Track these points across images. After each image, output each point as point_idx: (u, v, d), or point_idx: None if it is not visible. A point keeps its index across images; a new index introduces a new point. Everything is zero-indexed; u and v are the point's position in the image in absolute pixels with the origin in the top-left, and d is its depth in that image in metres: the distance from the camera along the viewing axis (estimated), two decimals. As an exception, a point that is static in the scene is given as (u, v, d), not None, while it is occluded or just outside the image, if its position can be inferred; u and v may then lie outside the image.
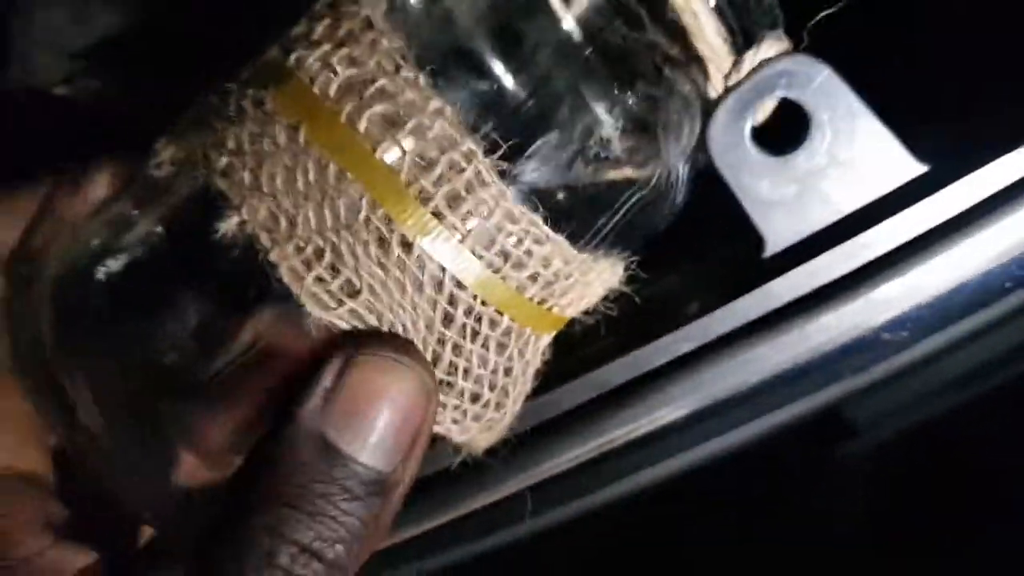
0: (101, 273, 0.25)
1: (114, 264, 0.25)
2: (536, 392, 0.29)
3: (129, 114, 0.40)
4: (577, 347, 0.31)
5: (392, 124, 0.22)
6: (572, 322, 0.28)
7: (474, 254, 0.24)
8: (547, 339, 0.27)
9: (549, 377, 0.30)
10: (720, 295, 0.29)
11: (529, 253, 0.24)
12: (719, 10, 0.25)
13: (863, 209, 0.28)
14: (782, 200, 0.28)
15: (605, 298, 0.28)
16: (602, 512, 0.34)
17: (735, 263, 0.30)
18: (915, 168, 0.28)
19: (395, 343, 0.23)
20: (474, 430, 0.27)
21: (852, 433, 0.39)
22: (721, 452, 0.32)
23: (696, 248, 0.31)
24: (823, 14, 0.25)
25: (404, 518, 0.32)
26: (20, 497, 0.27)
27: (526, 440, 0.31)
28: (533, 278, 0.25)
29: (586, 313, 0.28)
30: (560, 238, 0.25)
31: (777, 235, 0.29)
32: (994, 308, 0.28)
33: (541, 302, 0.25)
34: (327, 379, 0.22)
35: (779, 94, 0.27)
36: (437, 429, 0.26)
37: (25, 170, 0.28)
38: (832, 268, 0.28)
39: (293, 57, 0.23)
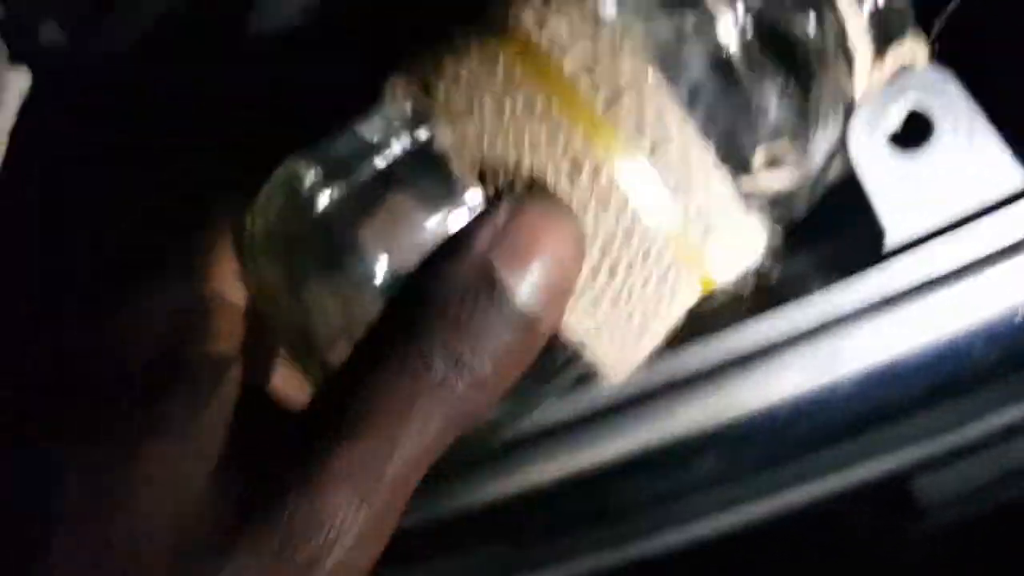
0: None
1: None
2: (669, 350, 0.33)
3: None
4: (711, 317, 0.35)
5: (591, 62, 0.27)
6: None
7: (657, 181, 0.27)
8: (697, 289, 0.30)
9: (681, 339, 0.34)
10: (842, 275, 0.33)
11: (705, 187, 0.28)
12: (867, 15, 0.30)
13: (976, 212, 0.32)
14: (905, 197, 0.32)
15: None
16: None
17: (858, 251, 0.34)
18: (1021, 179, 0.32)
19: (558, 200, 0.26)
20: (621, 358, 0.30)
21: (921, 513, 0.42)
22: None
23: (822, 237, 0.35)
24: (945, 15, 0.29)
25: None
26: (217, 310, 0.29)
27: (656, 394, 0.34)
28: (699, 213, 0.28)
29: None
30: (728, 176, 0.28)
31: (898, 229, 0.33)
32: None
33: (701, 246, 0.29)
34: (500, 217, 0.25)
35: (911, 101, 0.32)
36: (594, 356, 0.29)
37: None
38: (946, 260, 0.32)
39: (513, 7, 0.28)
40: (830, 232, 0.35)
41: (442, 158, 0.27)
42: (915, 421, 0.35)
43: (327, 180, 0.29)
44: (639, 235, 0.27)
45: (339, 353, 0.27)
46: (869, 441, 0.37)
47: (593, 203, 0.27)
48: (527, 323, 0.24)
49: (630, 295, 0.28)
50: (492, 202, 0.26)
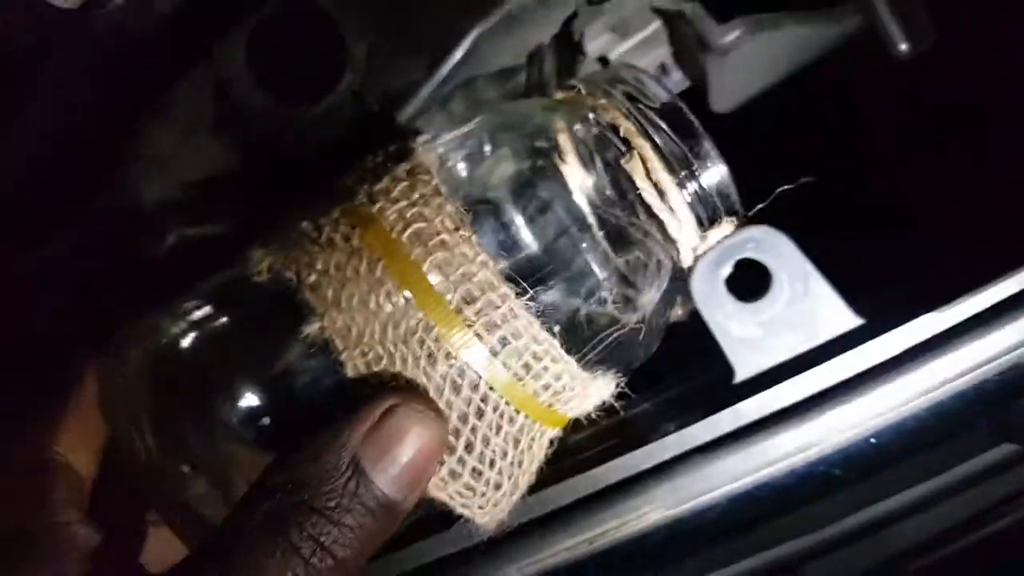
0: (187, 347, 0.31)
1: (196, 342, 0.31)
2: (538, 487, 0.36)
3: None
4: (576, 453, 0.38)
5: (448, 267, 0.30)
6: (571, 430, 0.35)
7: (504, 366, 0.30)
8: (551, 434, 0.34)
9: (550, 477, 0.36)
10: (697, 413, 0.36)
11: (546, 369, 0.31)
12: (691, 203, 0.33)
13: (813, 350, 0.35)
14: (748, 338, 0.35)
15: (600, 408, 0.35)
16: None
17: (710, 388, 0.37)
18: (853, 320, 0.35)
19: (427, 401, 0.29)
20: (493, 514, 0.33)
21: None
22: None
23: (678, 375, 0.38)
24: (778, 191, 0.33)
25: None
26: (63, 478, 0.31)
27: (527, 529, 0.36)
28: (546, 387, 0.31)
29: (584, 419, 0.35)
30: (570, 358, 0.31)
31: (744, 366, 0.36)
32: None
33: (550, 405, 0.32)
34: (374, 414, 0.28)
35: (748, 255, 0.35)
36: (465, 512, 0.32)
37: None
38: (788, 395, 0.35)
39: (377, 207, 0.30)
40: (691, 370, 0.38)
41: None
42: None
43: (188, 329, 0.31)
44: (491, 407, 0.31)
45: (213, 507, 0.29)
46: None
47: (448, 387, 0.30)
48: (387, 507, 0.28)
49: (492, 461, 0.31)
50: (365, 397, 0.28)
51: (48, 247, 0.45)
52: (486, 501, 0.32)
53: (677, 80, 0.45)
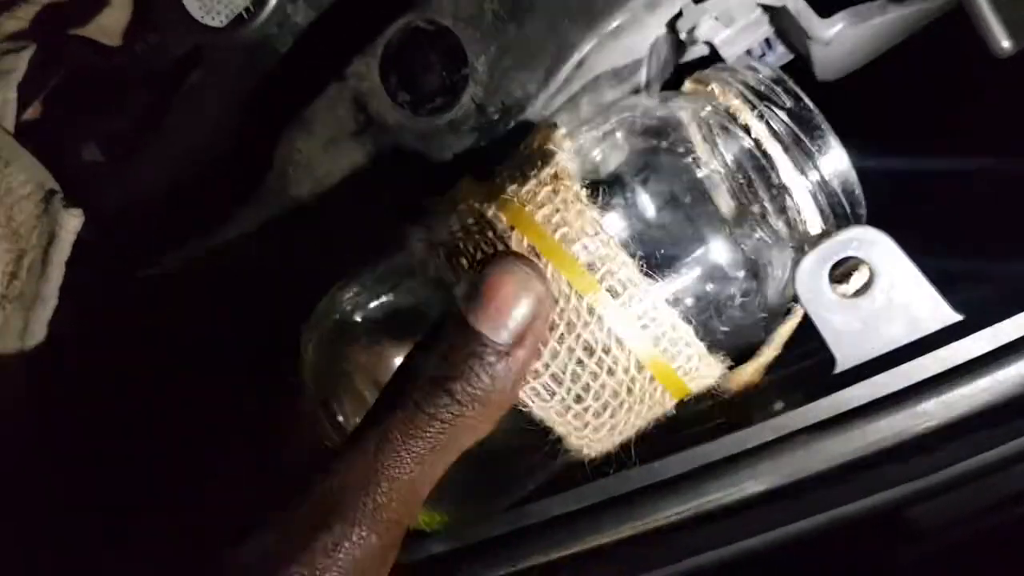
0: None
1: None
2: (648, 459, 0.40)
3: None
4: (690, 425, 0.41)
5: (593, 266, 0.34)
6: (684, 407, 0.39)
7: (649, 341, 0.35)
8: (670, 400, 0.37)
9: (660, 450, 0.40)
10: (800, 398, 0.39)
11: (680, 351, 0.35)
12: (813, 191, 0.37)
13: (911, 344, 0.37)
14: (850, 331, 0.38)
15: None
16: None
17: (813, 374, 0.40)
18: (952, 316, 0.37)
19: (527, 261, 0.33)
20: (589, 441, 0.36)
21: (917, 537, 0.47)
22: (794, 535, 0.41)
23: (787, 360, 0.41)
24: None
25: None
26: None
27: (634, 499, 0.40)
28: (677, 365, 0.35)
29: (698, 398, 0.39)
30: (701, 344, 0.36)
31: (845, 357, 0.38)
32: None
33: (676, 370, 0.36)
34: (468, 283, 0.32)
35: (851, 252, 0.37)
36: (575, 440, 0.36)
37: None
38: (887, 386, 0.38)
39: (528, 209, 0.34)
40: (797, 357, 0.41)
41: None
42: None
43: (358, 301, 0.37)
44: (622, 358, 0.34)
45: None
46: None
47: (585, 336, 0.34)
48: (496, 354, 0.31)
49: (621, 403, 0.35)
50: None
51: (194, 245, 0.50)
52: (593, 429, 0.35)
53: (781, 53, 0.46)
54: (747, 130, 0.37)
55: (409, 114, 0.42)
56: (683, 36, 0.43)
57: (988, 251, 0.41)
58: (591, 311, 0.34)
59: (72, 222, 0.49)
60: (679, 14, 0.42)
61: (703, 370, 0.37)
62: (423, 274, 0.36)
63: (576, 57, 0.40)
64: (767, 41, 0.46)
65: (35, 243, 0.50)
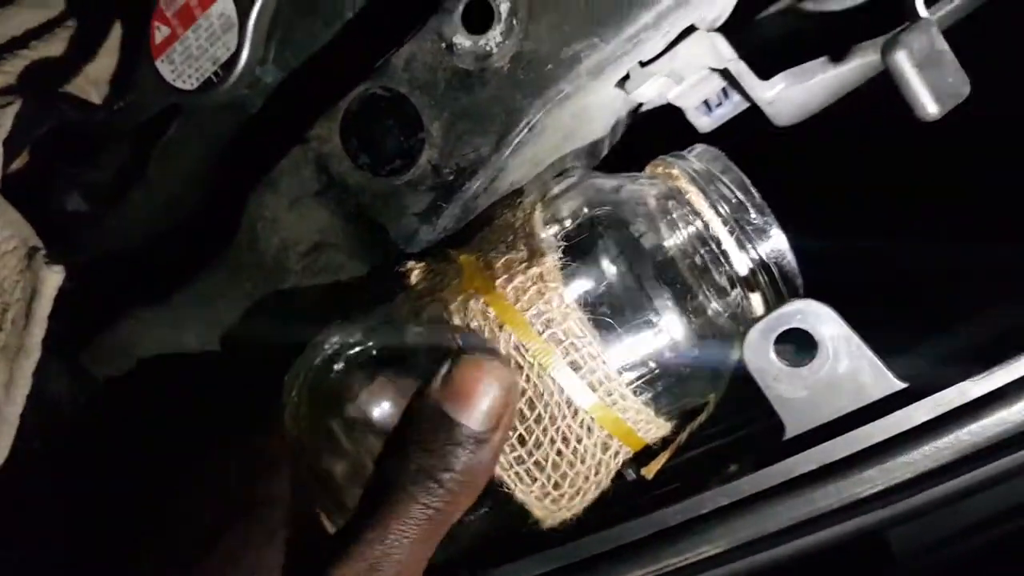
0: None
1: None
2: (608, 524, 0.40)
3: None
4: (643, 492, 0.42)
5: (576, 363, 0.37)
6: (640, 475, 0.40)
7: (592, 390, 0.37)
8: (622, 455, 0.39)
9: (619, 514, 0.40)
10: (752, 462, 0.39)
11: (624, 398, 0.37)
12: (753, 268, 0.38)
13: (857, 411, 0.38)
14: (797, 399, 0.38)
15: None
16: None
17: (764, 441, 0.40)
18: (895, 384, 0.37)
19: (492, 351, 0.36)
20: (552, 510, 0.39)
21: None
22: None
23: (739, 424, 0.41)
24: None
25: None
26: None
27: (595, 565, 0.41)
28: (641, 431, 0.38)
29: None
30: (645, 408, 0.38)
31: (793, 424, 0.39)
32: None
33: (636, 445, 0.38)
34: (444, 368, 0.35)
35: (795, 324, 0.37)
36: (532, 507, 0.38)
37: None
38: (833, 453, 0.38)
39: (518, 306, 0.37)
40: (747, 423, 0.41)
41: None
42: None
43: (336, 355, 0.39)
44: (579, 421, 0.37)
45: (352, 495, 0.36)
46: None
47: (541, 399, 0.37)
48: (475, 441, 0.35)
49: (570, 467, 0.38)
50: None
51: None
52: (550, 499, 0.38)
53: (737, 101, 0.46)
54: (697, 214, 0.39)
55: (369, 175, 0.43)
56: (633, 96, 0.43)
57: (931, 321, 0.41)
58: (570, 404, 0.37)
59: (54, 279, 0.50)
60: (627, 76, 0.42)
61: (658, 438, 0.40)
62: (408, 341, 0.39)
63: (525, 122, 0.41)
64: (723, 91, 0.46)
65: (18, 296, 0.51)
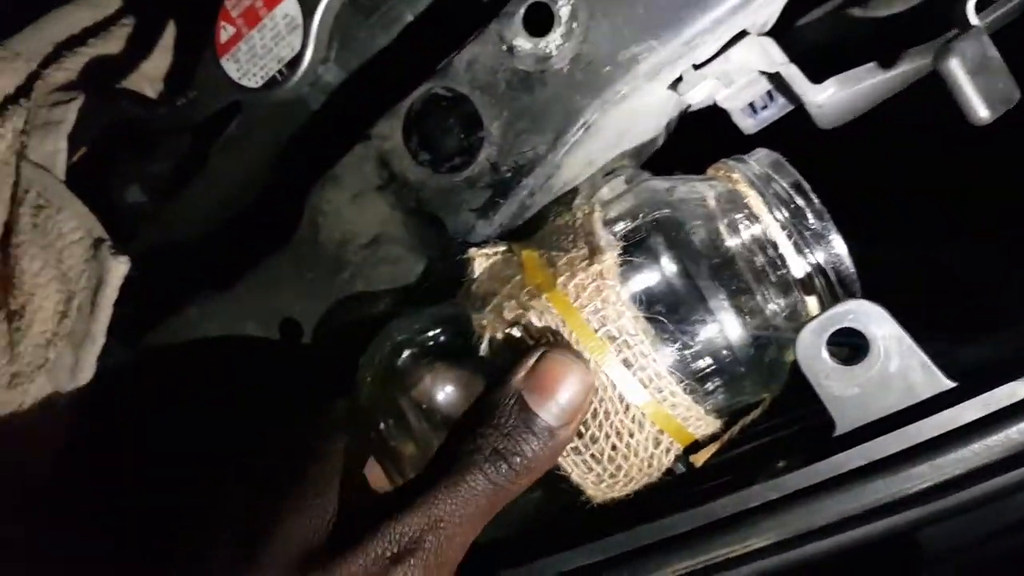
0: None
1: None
2: (659, 515, 0.42)
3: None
4: (694, 485, 0.43)
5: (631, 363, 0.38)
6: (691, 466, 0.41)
7: (643, 386, 0.38)
8: (673, 451, 0.40)
9: (670, 506, 0.42)
10: (802, 459, 0.40)
11: (675, 395, 0.38)
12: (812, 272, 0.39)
13: (906, 410, 0.39)
14: (848, 397, 0.39)
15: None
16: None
17: (814, 437, 0.41)
18: (944, 384, 0.38)
19: (577, 353, 0.38)
20: (603, 489, 0.40)
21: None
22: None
23: (789, 423, 0.42)
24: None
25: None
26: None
27: (646, 554, 0.42)
28: (692, 427, 0.39)
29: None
30: (696, 405, 0.39)
31: (844, 421, 0.40)
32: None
33: (685, 441, 0.40)
34: (530, 361, 0.37)
35: (848, 324, 0.38)
36: (587, 489, 0.40)
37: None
38: (883, 449, 0.39)
39: (576, 304, 0.38)
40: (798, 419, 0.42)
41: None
42: None
43: (407, 342, 0.41)
44: (642, 440, 0.39)
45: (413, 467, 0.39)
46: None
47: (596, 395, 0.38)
48: (548, 432, 0.37)
49: (624, 459, 0.39)
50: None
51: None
52: (600, 479, 0.40)
53: (781, 104, 0.47)
54: (756, 217, 0.40)
55: (429, 172, 0.45)
56: (685, 98, 0.44)
57: (981, 321, 0.42)
58: (622, 400, 0.38)
59: (120, 269, 0.52)
60: (679, 78, 0.43)
61: (708, 436, 0.41)
62: (474, 336, 0.40)
63: (582, 122, 0.42)
64: (768, 94, 0.47)
65: (84, 285, 0.53)
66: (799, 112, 0.44)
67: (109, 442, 0.55)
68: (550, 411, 0.37)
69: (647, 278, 0.39)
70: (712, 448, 0.41)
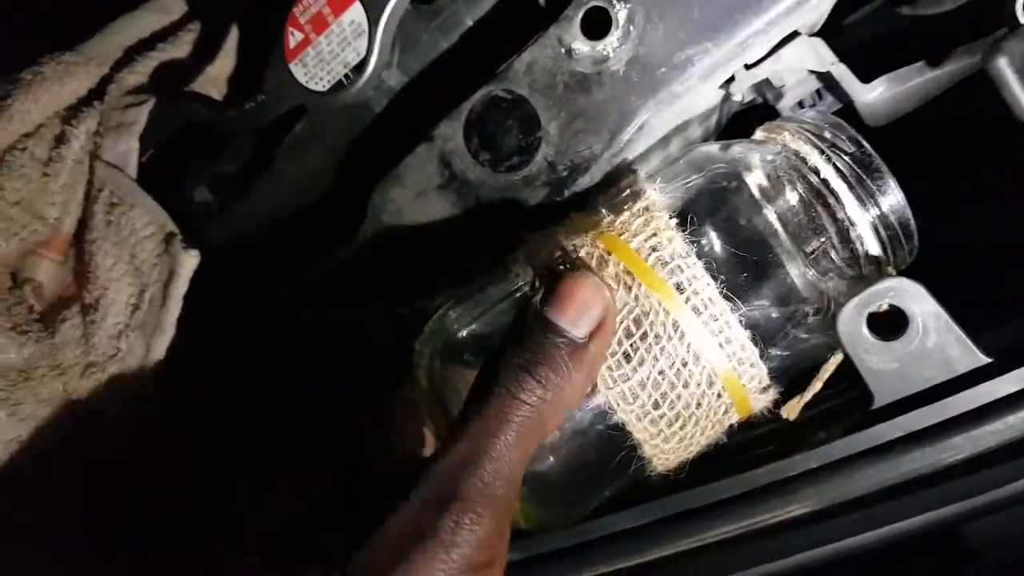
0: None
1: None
2: (702, 482, 0.44)
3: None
4: (738, 454, 0.46)
5: (683, 286, 0.39)
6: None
7: (725, 356, 0.39)
8: (731, 417, 0.42)
9: (713, 473, 0.45)
10: (841, 430, 0.43)
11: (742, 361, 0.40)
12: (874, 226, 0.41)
13: (943, 383, 0.41)
14: (886, 371, 0.42)
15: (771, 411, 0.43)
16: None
17: (853, 409, 0.44)
18: (981, 359, 0.41)
19: (590, 269, 0.38)
20: (660, 453, 0.41)
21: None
22: (842, 553, 0.44)
23: (828, 395, 0.45)
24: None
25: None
26: None
27: (688, 519, 0.45)
28: (742, 373, 0.40)
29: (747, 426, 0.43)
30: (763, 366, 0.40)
31: (882, 394, 0.42)
32: None
33: (741, 388, 0.41)
34: (548, 283, 0.38)
35: (888, 300, 0.41)
36: (648, 448, 0.41)
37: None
38: (920, 421, 0.42)
39: (624, 236, 0.40)
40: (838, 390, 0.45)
41: None
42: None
43: (463, 319, 0.43)
44: (696, 373, 0.40)
45: None
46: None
47: (647, 318, 0.39)
48: (570, 342, 0.37)
49: (691, 415, 0.40)
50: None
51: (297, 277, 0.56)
52: (666, 440, 0.40)
53: (830, 102, 0.51)
54: (815, 171, 0.42)
55: (489, 171, 0.48)
56: (736, 98, 0.47)
57: (1016, 297, 0.44)
58: (676, 326, 0.39)
59: (190, 262, 0.55)
60: (731, 78, 0.46)
61: (761, 392, 0.42)
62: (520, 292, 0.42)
63: (637, 122, 0.45)
64: (817, 92, 0.50)
65: (155, 279, 0.56)
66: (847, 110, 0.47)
67: (180, 430, 0.58)
68: (567, 317, 0.37)
69: (703, 232, 0.40)
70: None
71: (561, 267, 0.40)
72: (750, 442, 0.45)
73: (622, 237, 0.40)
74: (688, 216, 0.40)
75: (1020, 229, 0.46)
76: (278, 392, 0.57)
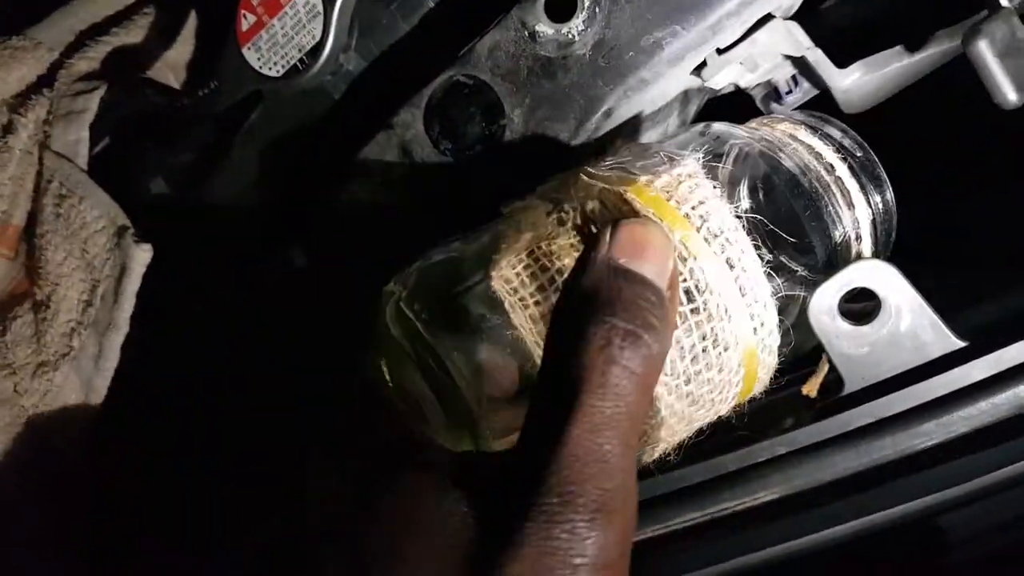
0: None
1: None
2: (674, 467, 0.43)
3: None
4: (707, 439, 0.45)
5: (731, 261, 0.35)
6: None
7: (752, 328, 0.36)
8: (733, 401, 0.38)
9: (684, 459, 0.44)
10: (810, 417, 0.43)
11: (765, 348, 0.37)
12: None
13: (915, 368, 0.41)
14: (858, 355, 0.41)
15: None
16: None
17: (824, 394, 0.43)
18: (954, 343, 0.41)
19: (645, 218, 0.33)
20: (672, 437, 0.38)
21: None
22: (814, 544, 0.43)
23: (798, 380, 0.44)
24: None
25: None
26: None
27: (655, 505, 0.44)
28: (763, 361, 0.37)
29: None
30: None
31: (853, 379, 0.42)
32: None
33: (757, 370, 0.38)
34: (607, 232, 0.32)
35: (860, 284, 0.40)
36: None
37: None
38: (891, 407, 0.41)
39: (672, 203, 0.35)
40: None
41: None
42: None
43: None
44: (733, 359, 0.36)
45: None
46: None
47: (717, 329, 0.35)
48: (658, 294, 0.32)
49: (711, 399, 0.37)
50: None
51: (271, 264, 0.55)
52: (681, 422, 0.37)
53: (806, 89, 0.50)
54: (830, 168, 0.41)
55: (451, 158, 0.46)
56: (709, 84, 0.46)
57: (991, 280, 0.44)
58: (726, 309, 0.35)
59: (142, 256, 0.53)
60: (703, 63, 0.45)
61: (768, 374, 0.39)
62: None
63: (603, 108, 0.44)
64: (793, 78, 0.49)
65: (108, 274, 0.55)
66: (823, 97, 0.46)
67: (133, 429, 0.57)
68: (652, 267, 0.32)
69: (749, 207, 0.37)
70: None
71: (597, 211, 0.35)
72: (716, 427, 0.44)
73: (669, 202, 0.35)
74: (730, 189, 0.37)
75: (996, 212, 0.46)
76: (237, 390, 0.56)
